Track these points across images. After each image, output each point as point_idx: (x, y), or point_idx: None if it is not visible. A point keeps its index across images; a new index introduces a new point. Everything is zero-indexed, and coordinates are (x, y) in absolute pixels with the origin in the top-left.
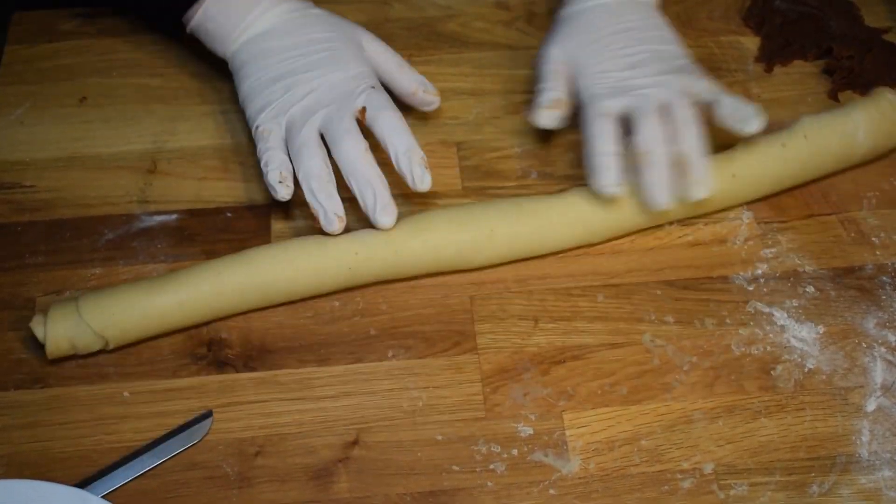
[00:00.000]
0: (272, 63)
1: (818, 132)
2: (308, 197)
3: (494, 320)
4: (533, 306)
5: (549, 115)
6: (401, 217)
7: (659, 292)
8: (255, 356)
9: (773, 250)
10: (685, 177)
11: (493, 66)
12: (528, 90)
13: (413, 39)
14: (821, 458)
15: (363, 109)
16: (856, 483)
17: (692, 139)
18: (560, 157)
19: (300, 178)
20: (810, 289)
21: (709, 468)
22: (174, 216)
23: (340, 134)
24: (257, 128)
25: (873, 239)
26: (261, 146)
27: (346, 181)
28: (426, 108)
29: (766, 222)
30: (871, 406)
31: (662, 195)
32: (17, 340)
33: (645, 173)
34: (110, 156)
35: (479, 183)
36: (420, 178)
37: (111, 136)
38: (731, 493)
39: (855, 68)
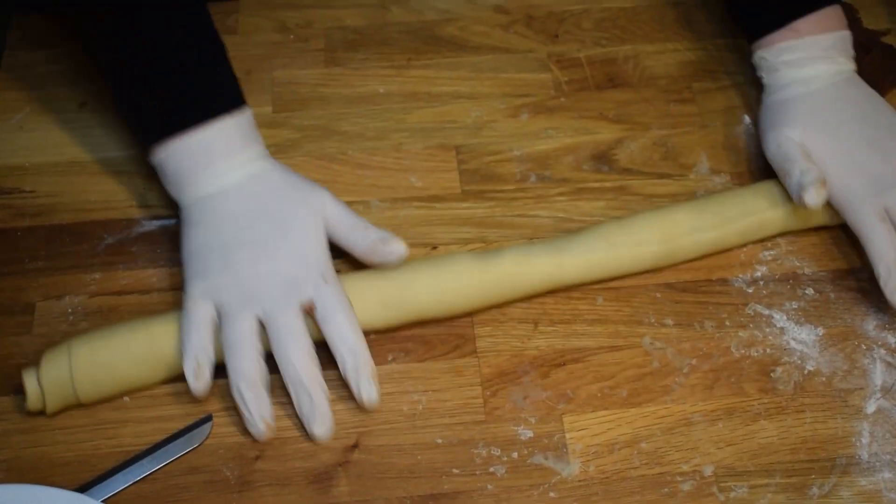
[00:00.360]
0: (220, 228)
1: None
2: (235, 396)
3: (494, 323)
4: (532, 309)
5: (821, 194)
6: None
7: (658, 295)
8: None
9: (772, 252)
10: None
11: (491, 70)
12: (527, 94)
13: (411, 43)
14: (821, 460)
15: (311, 306)
16: (856, 485)
17: None
18: (558, 160)
19: (230, 374)
20: (810, 291)
21: (709, 470)
22: (174, 221)
23: (283, 334)
24: (187, 301)
25: None
26: (185, 324)
27: (284, 381)
28: (390, 261)
29: None
30: (870, 408)
31: None
32: (17, 345)
33: None
34: (110, 160)
35: (478, 186)
36: (367, 394)
37: (111, 141)
38: (731, 495)
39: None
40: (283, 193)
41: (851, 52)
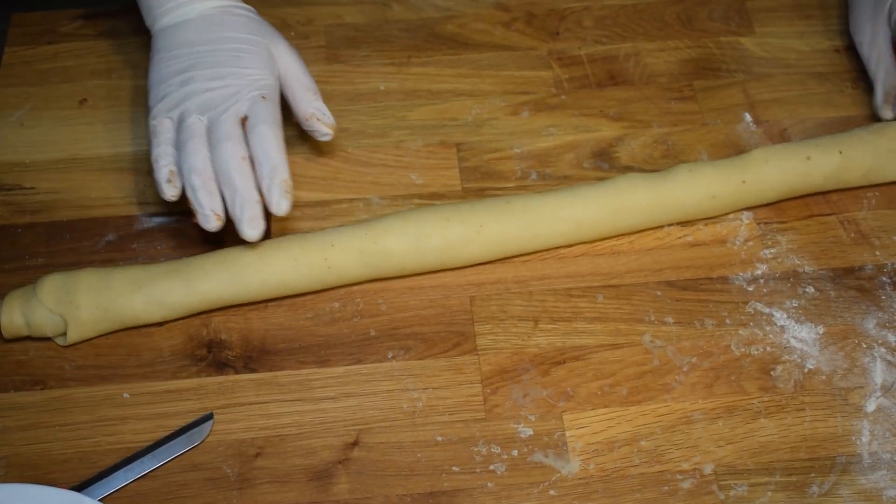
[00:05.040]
0: (180, 55)
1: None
2: (188, 192)
3: (494, 321)
4: (533, 307)
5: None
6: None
7: (659, 293)
8: (255, 357)
9: (772, 251)
10: None
11: (492, 67)
12: (527, 91)
13: (412, 41)
14: (821, 459)
15: (244, 117)
16: (856, 483)
17: None
18: (559, 157)
19: (183, 172)
20: (810, 289)
21: (709, 469)
22: (174, 218)
23: (220, 137)
24: (151, 121)
25: (873, 239)
26: (153, 140)
27: (219, 182)
28: (320, 138)
29: (765, 223)
30: (870, 406)
31: None
32: (17, 342)
33: None
34: (110, 157)
35: (478, 184)
36: (277, 202)
37: (111, 138)
38: (731, 493)
39: None
40: (242, 27)
41: None
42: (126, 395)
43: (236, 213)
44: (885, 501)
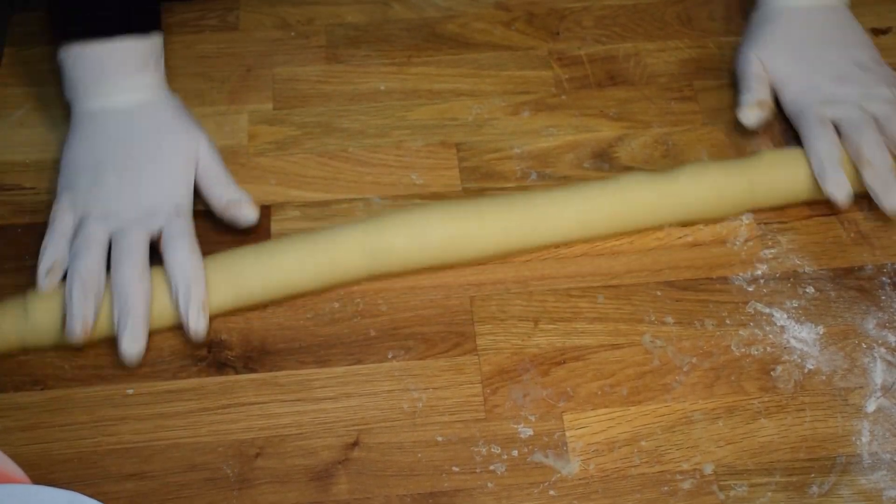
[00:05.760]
0: (96, 146)
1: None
2: (66, 294)
3: (494, 321)
4: (533, 307)
5: (754, 115)
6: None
7: (659, 293)
8: (255, 357)
9: (772, 251)
10: None
11: (492, 67)
12: (527, 91)
13: (412, 40)
14: (821, 459)
15: (159, 234)
16: (856, 484)
17: None
18: (559, 158)
19: (70, 274)
20: (810, 289)
21: (709, 469)
22: None
23: (124, 251)
24: (55, 206)
25: (873, 239)
26: (49, 228)
27: (112, 296)
28: (244, 223)
29: (765, 223)
30: (871, 407)
31: (892, 196)
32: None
33: (868, 178)
34: None
35: (478, 184)
36: (195, 324)
37: None
38: (731, 493)
39: None
40: (164, 126)
41: None
42: (126, 396)
43: (119, 326)
44: (885, 501)
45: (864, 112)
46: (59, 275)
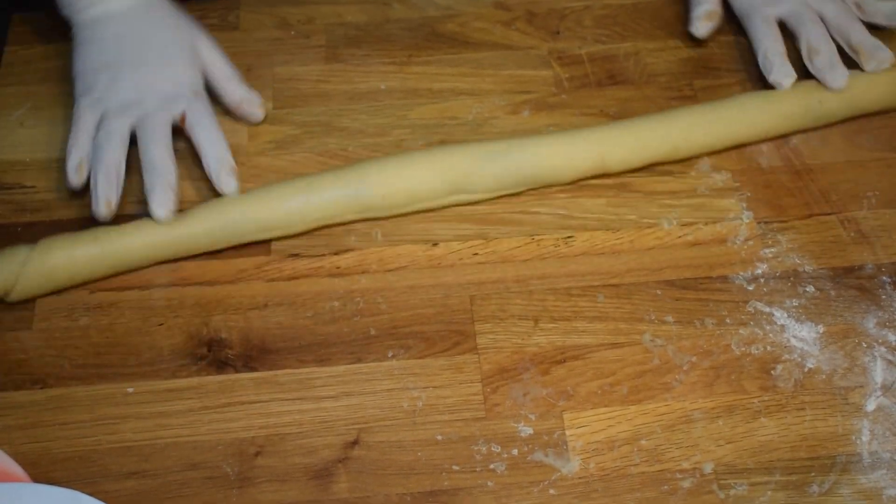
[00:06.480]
0: (106, 47)
1: None
2: (91, 181)
3: (494, 320)
4: (533, 306)
5: (705, 26)
6: None
7: (659, 292)
8: (255, 356)
9: (772, 250)
10: (859, 57)
11: (492, 67)
12: (528, 90)
13: (412, 40)
14: (821, 458)
15: (184, 117)
16: (856, 483)
17: (857, 31)
18: None
19: (93, 164)
20: (810, 288)
21: (709, 468)
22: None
23: (149, 131)
24: (76, 110)
25: (873, 239)
26: (72, 129)
27: (143, 176)
28: (251, 121)
29: (765, 222)
30: (871, 406)
31: (839, 79)
32: (17, 341)
33: (816, 64)
34: None
35: None
36: (227, 185)
37: None
38: (731, 492)
39: None
40: (164, 22)
41: None
42: (126, 394)
43: (147, 191)
44: (885, 501)
45: (809, 9)
46: (87, 170)
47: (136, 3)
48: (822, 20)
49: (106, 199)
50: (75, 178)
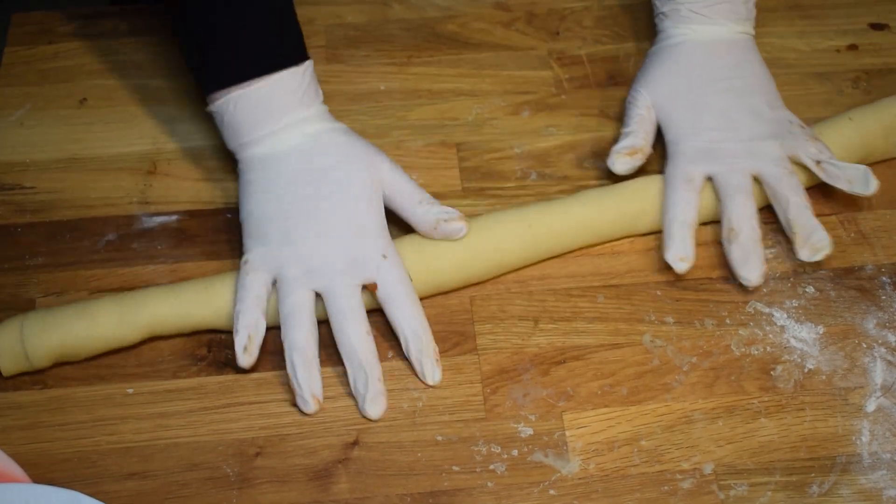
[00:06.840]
0: (279, 193)
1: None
2: (289, 369)
3: (494, 321)
4: (533, 307)
5: (624, 162)
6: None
7: (659, 293)
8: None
9: (773, 250)
10: (793, 238)
11: (492, 67)
12: (527, 91)
13: (412, 40)
14: (821, 459)
15: (375, 285)
16: (856, 483)
17: (796, 205)
18: (559, 157)
19: (285, 345)
20: (810, 289)
21: (709, 468)
22: (174, 217)
23: (345, 312)
24: (243, 265)
25: (873, 239)
26: (239, 293)
27: (342, 357)
28: (456, 238)
29: (766, 222)
30: (871, 406)
31: (753, 273)
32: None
33: (733, 250)
34: (110, 157)
35: (478, 184)
36: (431, 374)
37: (111, 138)
38: (731, 493)
39: None
40: (341, 157)
41: (751, 17)
42: (126, 395)
43: (359, 389)
44: (885, 501)
45: (741, 174)
46: (257, 348)
47: (312, 136)
48: (759, 180)
49: (311, 393)
50: (246, 360)
